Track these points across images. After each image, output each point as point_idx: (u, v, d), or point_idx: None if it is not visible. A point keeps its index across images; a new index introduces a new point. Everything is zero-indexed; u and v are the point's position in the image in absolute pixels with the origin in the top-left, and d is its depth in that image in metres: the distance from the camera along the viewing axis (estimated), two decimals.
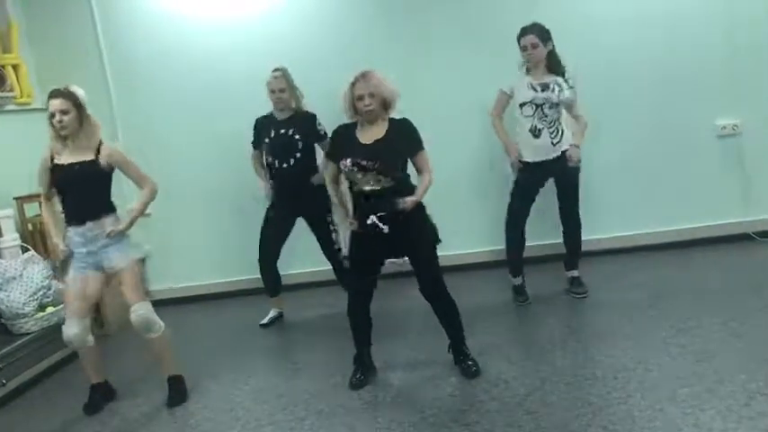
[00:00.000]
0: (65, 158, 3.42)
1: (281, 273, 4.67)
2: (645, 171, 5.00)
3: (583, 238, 4.36)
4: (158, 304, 5.56)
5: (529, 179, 4.19)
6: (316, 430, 3.07)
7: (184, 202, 5.51)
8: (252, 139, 4.55)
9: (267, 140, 4.39)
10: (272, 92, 4.36)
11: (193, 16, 5.30)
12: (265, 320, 4.61)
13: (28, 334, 4.18)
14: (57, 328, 4.31)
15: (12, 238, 4.49)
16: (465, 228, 5.05)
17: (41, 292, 4.30)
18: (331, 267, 4.60)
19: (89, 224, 3.43)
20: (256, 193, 4.69)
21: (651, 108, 4.96)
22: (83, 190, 3.43)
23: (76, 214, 3.44)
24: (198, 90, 5.34)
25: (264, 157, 4.46)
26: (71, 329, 3.48)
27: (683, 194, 4.96)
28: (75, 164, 3.40)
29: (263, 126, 4.47)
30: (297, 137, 4.34)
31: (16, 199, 4.81)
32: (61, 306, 4.41)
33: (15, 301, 4.18)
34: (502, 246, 4.41)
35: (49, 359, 4.25)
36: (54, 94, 3.35)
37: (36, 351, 4.15)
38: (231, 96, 5.25)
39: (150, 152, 5.45)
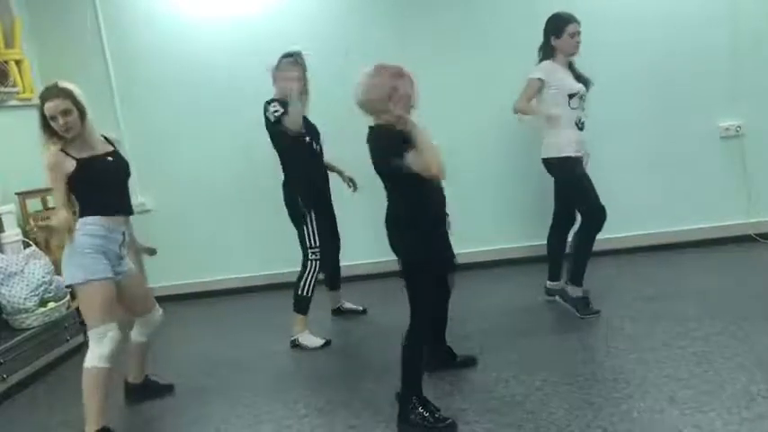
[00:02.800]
0: (86, 154, 3.09)
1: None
2: (646, 172, 5.00)
3: None
4: (159, 301, 5.63)
5: (584, 172, 4.04)
6: (315, 427, 3.08)
7: (186, 199, 5.52)
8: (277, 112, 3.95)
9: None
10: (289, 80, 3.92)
11: (196, 13, 5.31)
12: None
13: (29, 329, 4.18)
14: (58, 323, 4.34)
15: (14, 233, 4.49)
16: (471, 227, 5.04)
17: (43, 288, 4.30)
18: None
19: (130, 222, 3.30)
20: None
21: (652, 109, 4.96)
22: (123, 183, 3.27)
23: (122, 209, 3.23)
24: (200, 87, 5.35)
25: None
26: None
27: (684, 196, 4.95)
28: (106, 154, 3.18)
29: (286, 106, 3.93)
30: (315, 126, 4.19)
31: (18, 194, 4.81)
32: (62, 302, 4.43)
33: (17, 296, 4.18)
34: (504, 245, 4.38)
35: (50, 354, 4.25)
36: (49, 96, 3.01)
37: (37, 346, 4.16)
38: (234, 94, 5.27)
39: (152, 148, 5.49)
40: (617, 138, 4.92)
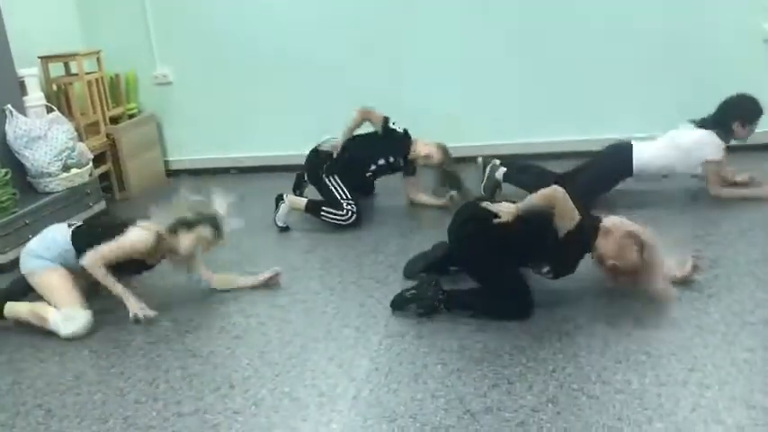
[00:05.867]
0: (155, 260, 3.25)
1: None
2: (680, 75, 4.83)
3: (608, 135, 4.42)
4: (176, 174, 5.69)
5: None
6: (329, 303, 3.18)
7: (209, 70, 5.46)
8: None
9: None
10: None
11: None
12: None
13: (52, 193, 4.27)
14: (80, 189, 4.44)
15: (36, 96, 4.48)
16: None
17: (66, 153, 4.34)
18: None
19: None
20: None
21: (691, 4, 4.74)
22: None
23: None
24: None
25: None
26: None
27: (719, 98, 4.75)
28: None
29: None
30: None
31: (41, 58, 4.77)
32: (85, 169, 4.49)
33: (40, 160, 4.23)
34: None
35: (73, 219, 4.31)
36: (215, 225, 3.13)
37: (60, 210, 4.24)
38: None
39: (175, 13, 5.36)
40: (648, 36, 4.76)
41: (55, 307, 3.04)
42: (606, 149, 4.14)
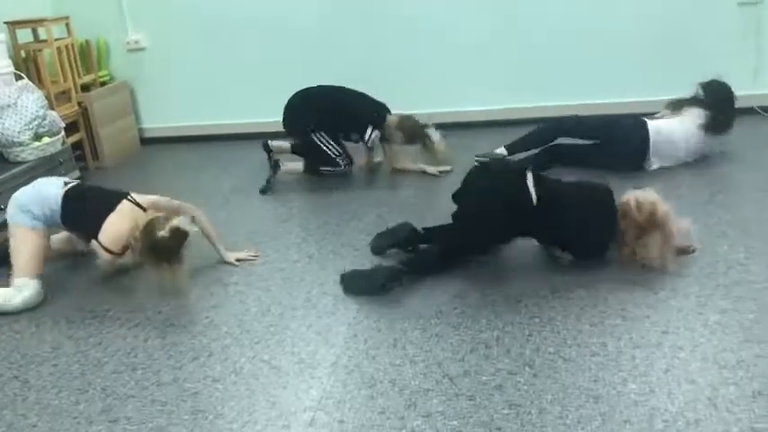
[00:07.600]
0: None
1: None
2: (655, 35, 4.82)
3: (581, 102, 4.43)
4: (151, 142, 5.63)
5: None
6: (306, 272, 3.17)
7: (183, 36, 5.35)
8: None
9: None
10: None
11: None
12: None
13: (24, 163, 4.19)
14: (52, 158, 4.36)
15: (4, 64, 4.37)
16: None
17: (36, 122, 4.25)
18: None
19: None
20: None
21: None
22: None
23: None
24: None
25: None
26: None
27: (692, 62, 4.75)
28: None
29: None
30: None
31: (7, 23, 4.65)
32: (57, 137, 4.41)
33: (10, 129, 4.15)
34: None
35: None
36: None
37: (33, 179, 4.16)
38: None
39: None
40: (636, 4, 4.75)
41: (14, 270, 3.03)
42: (616, 127, 4.07)
